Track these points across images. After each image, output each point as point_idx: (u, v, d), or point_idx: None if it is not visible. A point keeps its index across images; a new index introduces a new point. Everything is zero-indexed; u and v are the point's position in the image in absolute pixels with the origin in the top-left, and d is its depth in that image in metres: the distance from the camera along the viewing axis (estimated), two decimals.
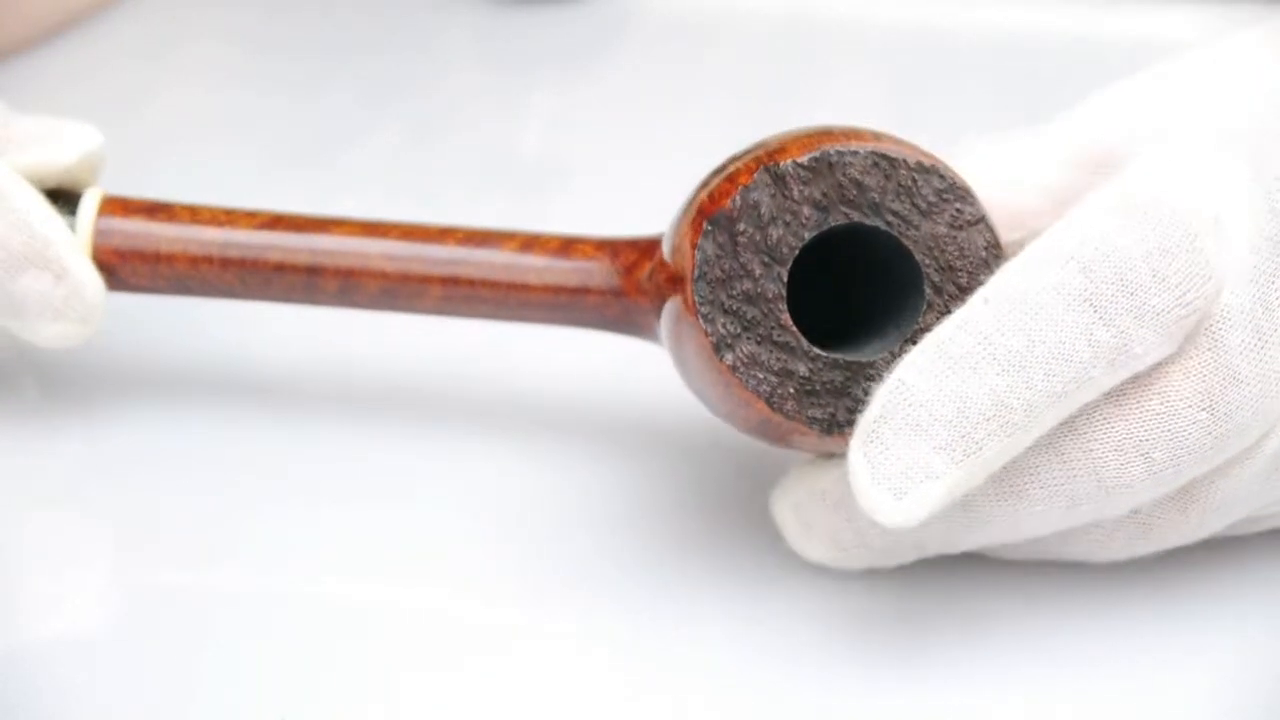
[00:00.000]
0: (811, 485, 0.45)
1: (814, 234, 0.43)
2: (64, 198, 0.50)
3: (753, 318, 0.44)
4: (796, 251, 0.43)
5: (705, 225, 0.43)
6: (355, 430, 0.52)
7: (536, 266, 0.48)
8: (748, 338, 0.44)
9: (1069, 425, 0.42)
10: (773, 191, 0.43)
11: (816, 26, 0.73)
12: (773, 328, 0.44)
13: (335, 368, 0.55)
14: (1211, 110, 0.47)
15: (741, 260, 0.43)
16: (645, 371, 0.51)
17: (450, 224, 0.49)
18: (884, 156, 0.43)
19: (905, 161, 0.43)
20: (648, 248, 0.47)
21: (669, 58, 0.72)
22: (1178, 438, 0.42)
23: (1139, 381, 0.42)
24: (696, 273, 0.44)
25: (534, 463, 0.51)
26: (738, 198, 0.43)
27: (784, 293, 0.44)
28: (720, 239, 0.43)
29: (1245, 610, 0.46)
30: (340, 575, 0.48)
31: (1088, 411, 0.42)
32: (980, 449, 0.41)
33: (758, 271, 0.43)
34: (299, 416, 0.53)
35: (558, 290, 0.48)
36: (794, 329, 0.43)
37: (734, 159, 0.44)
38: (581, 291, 0.48)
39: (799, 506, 0.45)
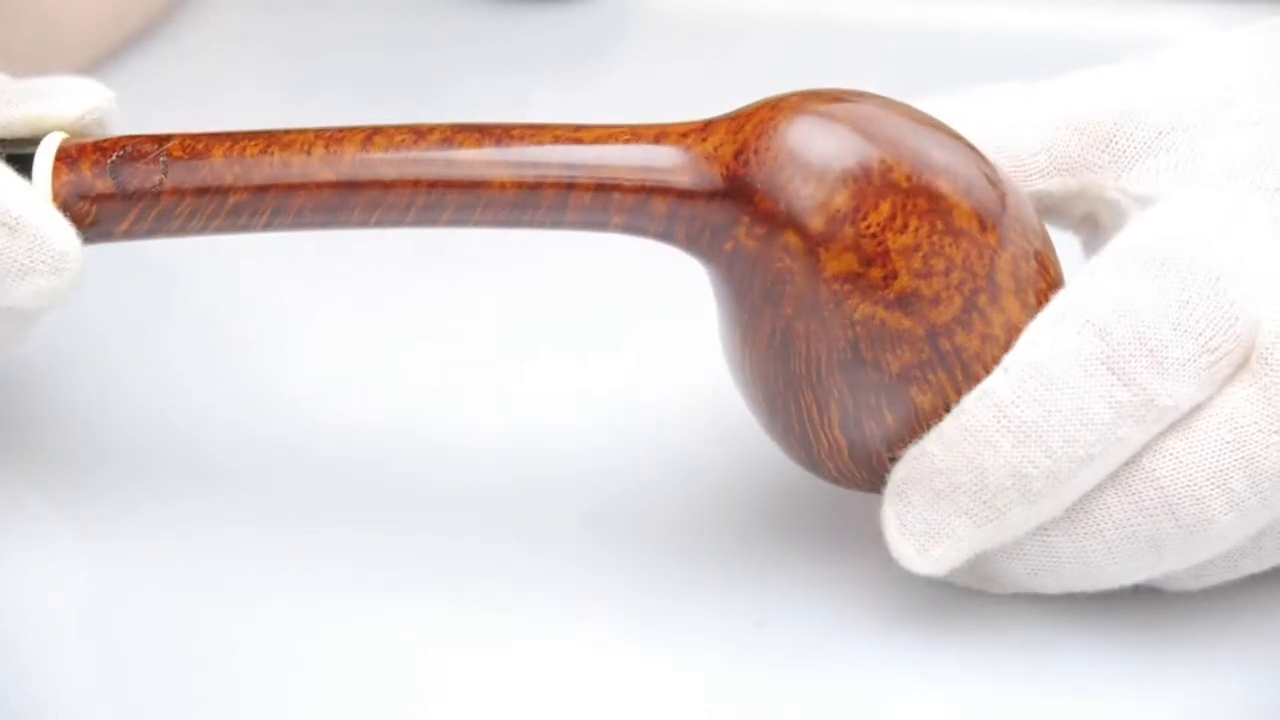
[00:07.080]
0: None
1: None
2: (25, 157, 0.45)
3: None
4: None
5: None
6: (368, 444, 0.52)
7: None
8: None
9: (1136, 464, 0.42)
10: None
11: (817, 26, 0.73)
12: None
13: (340, 386, 0.55)
14: (1217, 99, 0.46)
15: None
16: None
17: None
18: None
19: None
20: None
21: (669, 58, 0.72)
22: (1254, 463, 0.41)
23: (1204, 412, 0.42)
24: None
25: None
26: None
27: None
28: None
29: None
30: (360, 587, 0.48)
31: (1156, 449, 0.42)
32: (1002, 514, 0.42)
33: None
34: (297, 426, 0.53)
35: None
36: None
37: None
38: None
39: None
